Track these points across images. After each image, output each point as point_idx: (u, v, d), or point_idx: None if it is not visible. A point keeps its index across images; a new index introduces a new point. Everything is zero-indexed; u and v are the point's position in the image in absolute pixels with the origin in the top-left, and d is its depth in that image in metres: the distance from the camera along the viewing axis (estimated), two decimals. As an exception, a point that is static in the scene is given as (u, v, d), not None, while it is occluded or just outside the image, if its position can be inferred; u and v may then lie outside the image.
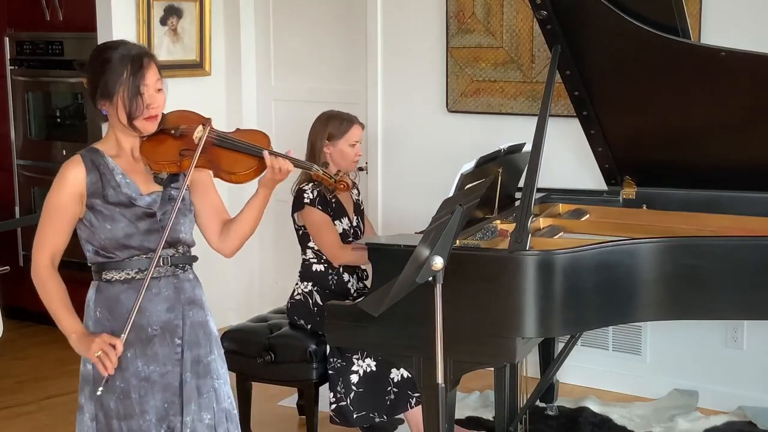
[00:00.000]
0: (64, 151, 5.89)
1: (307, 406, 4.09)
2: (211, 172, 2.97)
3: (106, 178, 2.86)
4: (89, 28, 5.52)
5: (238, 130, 3.04)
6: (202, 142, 2.87)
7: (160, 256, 2.87)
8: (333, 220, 4.07)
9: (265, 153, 2.90)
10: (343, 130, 4.13)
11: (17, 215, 6.07)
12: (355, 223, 4.19)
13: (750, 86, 3.68)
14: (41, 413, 4.79)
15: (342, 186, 3.12)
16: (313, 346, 4.00)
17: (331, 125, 4.13)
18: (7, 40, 6.06)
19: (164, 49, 5.48)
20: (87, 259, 2.93)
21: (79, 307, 2.92)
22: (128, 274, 2.88)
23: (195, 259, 3.00)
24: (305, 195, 4.02)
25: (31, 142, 6.08)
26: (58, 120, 6.05)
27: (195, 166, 2.88)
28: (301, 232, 4.13)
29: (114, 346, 2.80)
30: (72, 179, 2.85)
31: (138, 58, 2.83)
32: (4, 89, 6.10)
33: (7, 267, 4.90)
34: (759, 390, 4.56)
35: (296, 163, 2.97)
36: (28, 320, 6.09)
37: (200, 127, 2.91)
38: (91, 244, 2.87)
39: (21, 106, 6.07)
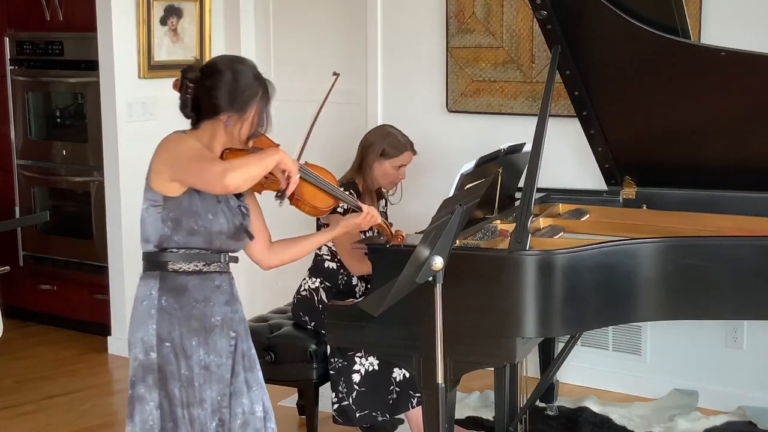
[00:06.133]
0: (64, 151, 5.89)
1: (307, 406, 4.09)
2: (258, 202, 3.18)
3: None
4: (89, 28, 5.52)
5: (307, 164, 3.18)
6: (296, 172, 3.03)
7: (221, 252, 3.03)
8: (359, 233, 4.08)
9: (365, 206, 3.28)
10: (397, 152, 4.10)
11: (17, 215, 6.07)
12: (374, 235, 4.20)
13: (750, 86, 3.68)
14: (41, 413, 4.79)
15: (399, 239, 3.41)
16: (314, 346, 4.00)
17: (387, 143, 4.10)
18: (7, 40, 6.06)
19: (164, 49, 5.48)
20: (153, 242, 2.99)
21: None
22: (196, 266, 2.99)
23: (236, 259, 3.14)
24: (336, 210, 4.00)
25: (31, 142, 6.08)
26: (58, 120, 6.04)
27: (272, 191, 3.03)
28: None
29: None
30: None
31: (266, 81, 3.02)
32: (4, 89, 6.10)
33: (7, 267, 4.90)
34: (759, 390, 4.56)
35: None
36: (28, 320, 6.10)
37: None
38: (178, 227, 2.94)
39: (21, 106, 6.07)
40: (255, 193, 3.13)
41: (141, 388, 2.97)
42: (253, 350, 3.15)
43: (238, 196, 3.09)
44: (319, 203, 3.14)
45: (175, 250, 2.97)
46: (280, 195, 3.01)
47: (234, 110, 2.94)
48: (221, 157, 3.00)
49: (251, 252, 3.17)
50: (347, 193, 4.00)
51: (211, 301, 3.01)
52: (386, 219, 4.31)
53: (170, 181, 2.94)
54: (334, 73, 3.22)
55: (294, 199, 3.09)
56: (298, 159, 3.11)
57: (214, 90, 2.94)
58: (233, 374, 3.06)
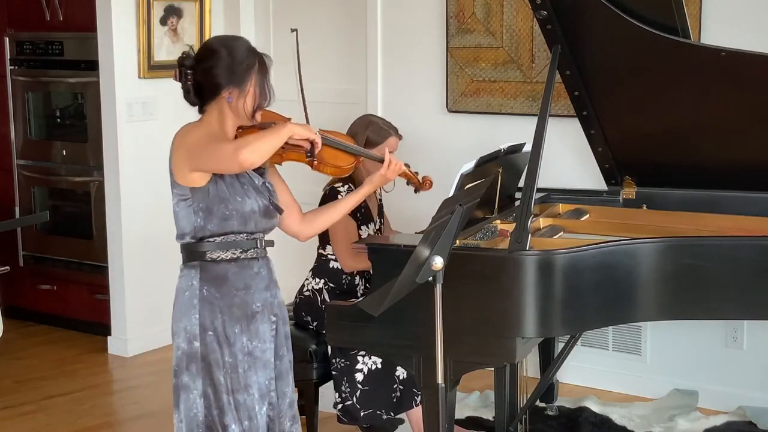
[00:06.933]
0: (64, 151, 5.89)
1: (307, 406, 4.08)
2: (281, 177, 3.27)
3: None
4: (89, 28, 5.52)
5: (321, 131, 3.26)
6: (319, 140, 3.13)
7: (256, 239, 3.10)
8: (360, 226, 4.06)
9: (386, 151, 3.34)
10: (381, 139, 4.10)
11: (17, 215, 6.07)
12: (377, 227, 4.19)
13: (750, 86, 3.68)
14: (41, 413, 4.79)
15: (427, 185, 3.49)
16: (314, 346, 4.00)
17: (370, 132, 4.11)
18: (7, 40, 6.06)
19: (164, 49, 5.48)
20: (189, 235, 3.04)
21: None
22: (233, 253, 3.05)
23: (272, 243, 3.20)
24: (339, 196, 4.00)
25: (31, 142, 6.08)
26: (58, 120, 6.04)
27: (296, 160, 3.14)
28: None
29: None
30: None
31: (261, 54, 3.07)
32: (4, 89, 6.10)
33: (7, 267, 4.90)
34: (759, 390, 4.56)
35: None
36: (28, 320, 6.10)
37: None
38: (210, 215, 2.99)
39: (21, 106, 6.07)
40: (276, 165, 3.21)
41: (185, 377, 3.04)
42: (289, 336, 3.26)
43: (261, 174, 3.15)
44: (341, 162, 3.24)
45: (211, 239, 3.03)
46: (310, 155, 3.11)
47: (233, 85, 3.01)
48: (236, 136, 3.07)
49: (286, 226, 3.25)
50: (347, 186, 4.01)
51: (251, 288, 3.09)
52: (383, 208, 4.32)
53: (192, 172, 2.99)
54: (292, 30, 3.27)
55: (316, 164, 3.18)
56: (306, 113, 3.24)
57: (212, 69, 3.01)
58: (277, 357, 3.15)
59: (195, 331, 3.03)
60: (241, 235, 3.06)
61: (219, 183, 3.01)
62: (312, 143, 3.09)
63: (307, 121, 3.27)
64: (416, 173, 3.52)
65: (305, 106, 3.31)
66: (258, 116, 3.10)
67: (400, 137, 4.21)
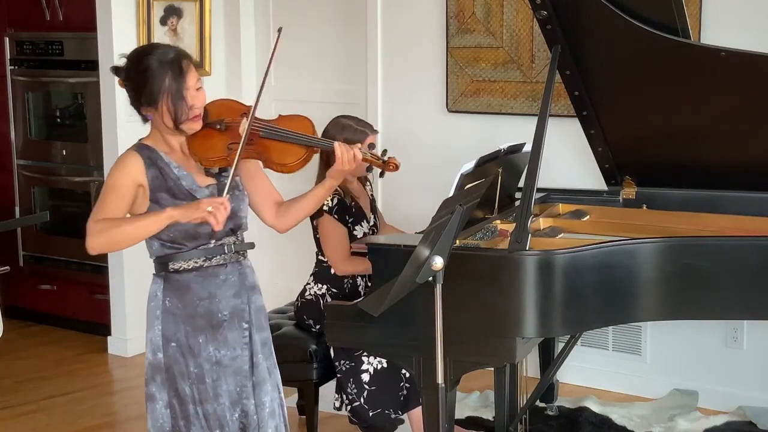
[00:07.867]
0: (64, 151, 5.89)
1: (307, 406, 4.09)
2: (260, 162, 3.06)
3: (165, 172, 2.94)
4: (89, 28, 5.52)
5: (280, 116, 3.08)
6: (245, 136, 2.90)
7: (223, 244, 2.98)
8: (354, 226, 4.04)
9: (336, 144, 3.03)
10: (357, 140, 4.03)
11: (17, 215, 6.07)
12: (372, 223, 4.17)
13: (750, 86, 3.68)
14: (41, 413, 4.79)
15: (392, 166, 3.18)
16: (314, 346, 4.00)
17: (347, 135, 4.06)
18: (7, 40, 6.06)
19: (164, 49, 5.48)
20: (150, 254, 3.01)
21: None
22: (196, 262, 2.97)
23: (252, 246, 3.11)
24: (325, 206, 3.96)
25: (31, 142, 6.08)
26: (58, 120, 6.05)
27: (245, 158, 2.95)
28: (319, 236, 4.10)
29: (221, 203, 2.81)
30: (132, 166, 2.92)
31: (176, 62, 2.88)
32: (4, 89, 6.10)
33: (7, 267, 4.89)
34: (759, 390, 4.56)
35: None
36: (28, 320, 6.10)
37: (244, 120, 2.95)
38: (159, 238, 2.93)
39: (21, 106, 6.07)
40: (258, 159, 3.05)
41: (152, 388, 3.00)
42: (270, 341, 3.14)
43: (219, 173, 3.01)
44: (288, 159, 2.98)
45: (172, 252, 2.96)
46: (212, 235, 2.91)
47: (146, 105, 2.91)
48: (188, 143, 2.95)
49: (264, 218, 3.16)
50: (334, 194, 3.96)
51: (216, 297, 3.00)
52: (374, 198, 4.29)
53: None
54: (278, 29, 3.01)
55: (265, 161, 3.00)
56: (252, 114, 2.93)
57: (130, 91, 2.94)
58: (253, 365, 3.06)
59: (158, 342, 2.97)
60: (204, 245, 2.96)
61: (155, 207, 2.89)
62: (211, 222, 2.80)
63: (252, 115, 2.94)
64: (384, 152, 3.22)
65: (258, 100, 2.96)
66: (192, 124, 2.92)
67: (376, 132, 4.18)
